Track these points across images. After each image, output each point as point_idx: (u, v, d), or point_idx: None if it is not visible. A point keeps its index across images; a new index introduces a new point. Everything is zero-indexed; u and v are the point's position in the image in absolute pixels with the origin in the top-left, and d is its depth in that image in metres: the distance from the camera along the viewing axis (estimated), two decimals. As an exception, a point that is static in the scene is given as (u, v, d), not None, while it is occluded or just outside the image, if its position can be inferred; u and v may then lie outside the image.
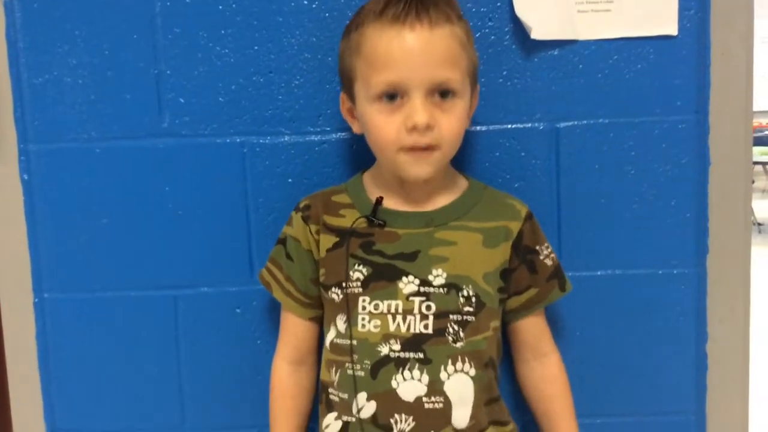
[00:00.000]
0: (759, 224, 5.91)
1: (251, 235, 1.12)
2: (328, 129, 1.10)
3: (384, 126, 0.92)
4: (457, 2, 0.95)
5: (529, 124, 1.10)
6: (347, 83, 0.98)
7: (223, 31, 1.08)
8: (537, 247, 1.01)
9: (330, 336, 0.99)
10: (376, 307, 0.95)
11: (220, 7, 1.08)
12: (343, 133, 1.10)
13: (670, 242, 1.11)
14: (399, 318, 0.94)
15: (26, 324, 1.15)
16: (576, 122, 1.09)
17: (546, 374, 1.04)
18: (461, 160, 1.09)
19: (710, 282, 1.12)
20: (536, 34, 1.06)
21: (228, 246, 1.12)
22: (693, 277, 1.11)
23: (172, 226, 1.12)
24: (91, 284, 1.13)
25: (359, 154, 1.09)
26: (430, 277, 0.95)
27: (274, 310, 1.10)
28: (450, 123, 0.92)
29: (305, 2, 1.08)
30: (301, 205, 1.02)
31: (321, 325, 1.04)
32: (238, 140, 1.11)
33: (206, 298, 1.13)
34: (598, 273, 1.11)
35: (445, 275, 0.95)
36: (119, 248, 1.13)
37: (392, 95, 0.91)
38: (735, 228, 1.12)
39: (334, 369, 0.98)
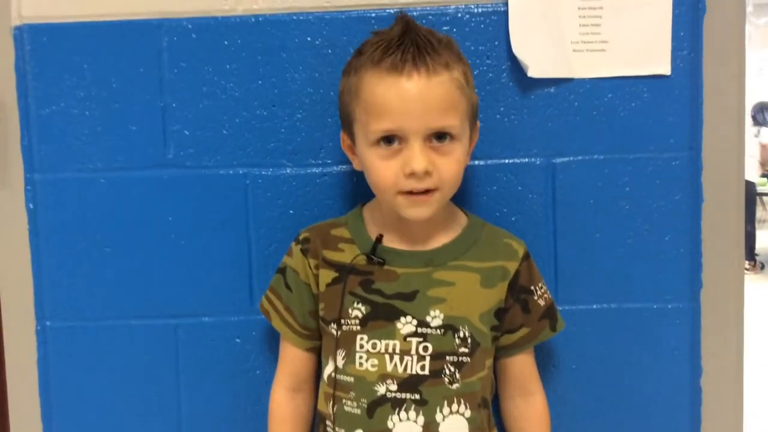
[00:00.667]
0: (756, 255, 5.92)
1: (252, 265, 1.14)
2: (330, 162, 1.12)
3: (382, 170, 0.93)
4: (456, 43, 0.97)
5: (526, 159, 1.12)
6: (347, 123, 0.99)
7: (228, 66, 1.11)
8: (532, 287, 1.02)
9: (328, 370, 1.00)
10: (374, 346, 0.96)
11: (226, 42, 1.11)
12: (344, 166, 1.12)
13: (665, 277, 1.12)
14: (396, 358, 0.95)
15: (28, 351, 1.16)
16: (572, 158, 1.12)
17: (530, 413, 1.05)
18: (459, 194, 1.09)
19: (704, 316, 1.13)
20: (533, 73, 1.09)
21: (229, 276, 1.14)
22: (687, 311, 1.13)
23: (174, 255, 1.14)
24: (93, 312, 1.15)
25: (360, 187, 1.11)
26: (428, 318, 0.96)
27: (273, 341, 1.12)
28: (449, 166, 0.92)
29: (308, 39, 1.10)
30: (301, 238, 1.04)
31: (319, 355, 1.05)
32: (240, 172, 1.13)
33: (207, 327, 1.15)
34: (594, 306, 1.13)
35: (442, 316, 0.96)
36: (121, 277, 1.14)
37: (390, 139, 0.92)
38: (728, 263, 1.14)
39: (331, 403, 0.99)
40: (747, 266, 5.48)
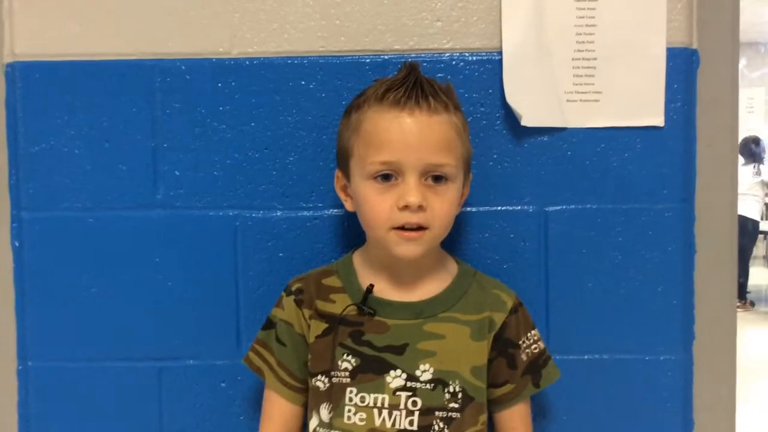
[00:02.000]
0: (747, 292, 5.92)
1: (239, 308, 1.12)
2: (321, 205, 1.12)
3: (377, 204, 0.93)
4: (455, 92, 0.98)
5: (519, 207, 1.11)
6: (343, 160, 0.99)
7: (221, 108, 1.11)
8: (520, 341, 1.00)
9: (313, 424, 0.98)
10: (363, 399, 0.94)
11: (219, 84, 1.10)
12: (335, 210, 1.11)
13: (657, 328, 1.11)
14: (385, 413, 0.93)
15: (8, 392, 1.13)
16: (564, 206, 1.11)
17: None
18: (451, 241, 1.09)
19: (696, 369, 1.12)
20: (526, 121, 1.08)
21: (216, 319, 1.12)
22: (679, 363, 1.12)
23: (161, 297, 1.12)
24: (76, 353, 1.12)
25: (350, 231, 1.10)
26: (418, 372, 0.95)
27: (259, 386, 1.09)
28: (442, 206, 0.93)
29: (302, 82, 1.10)
30: (293, 288, 1.02)
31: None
32: (230, 213, 1.12)
33: (191, 370, 1.13)
34: (585, 357, 1.12)
35: (432, 370, 0.95)
36: (106, 318, 1.12)
37: (387, 175, 0.93)
38: (721, 315, 1.14)
39: (317, 458, 0.97)
40: (738, 304, 5.46)
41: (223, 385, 1.13)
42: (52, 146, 1.11)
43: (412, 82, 0.93)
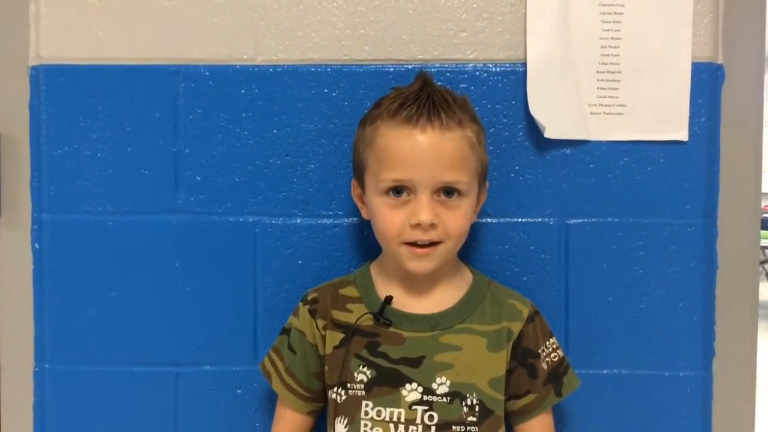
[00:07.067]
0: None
1: (257, 315, 1.12)
2: (341, 213, 1.11)
3: (389, 219, 0.93)
4: (471, 104, 0.98)
5: (540, 219, 1.11)
6: (358, 172, 1.00)
7: (243, 114, 1.11)
8: (539, 350, 0.99)
9: (332, 436, 0.98)
10: (379, 413, 0.94)
11: (243, 91, 1.10)
12: (355, 218, 1.11)
13: (677, 344, 1.10)
14: (401, 427, 0.93)
15: (24, 393, 1.14)
16: (586, 219, 1.11)
17: None
18: (470, 251, 1.10)
19: (716, 386, 1.11)
20: (549, 133, 1.08)
21: (233, 325, 1.12)
22: (699, 380, 1.11)
23: (179, 302, 1.12)
24: (93, 356, 1.13)
25: (369, 240, 1.10)
26: (434, 386, 0.94)
27: (275, 394, 1.09)
28: (455, 220, 0.93)
29: (325, 90, 1.10)
30: (309, 298, 1.02)
31: (317, 418, 1.04)
32: (250, 220, 1.12)
33: (208, 376, 1.12)
34: (604, 371, 1.11)
35: (448, 383, 0.94)
36: (124, 322, 1.12)
37: (399, 190, 0.93)
38: (742, 332, 1.13)
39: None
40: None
41: (239, 391, 1.12)
42: (75, 149, 1.12)
43: (426, 97, 0.92)
